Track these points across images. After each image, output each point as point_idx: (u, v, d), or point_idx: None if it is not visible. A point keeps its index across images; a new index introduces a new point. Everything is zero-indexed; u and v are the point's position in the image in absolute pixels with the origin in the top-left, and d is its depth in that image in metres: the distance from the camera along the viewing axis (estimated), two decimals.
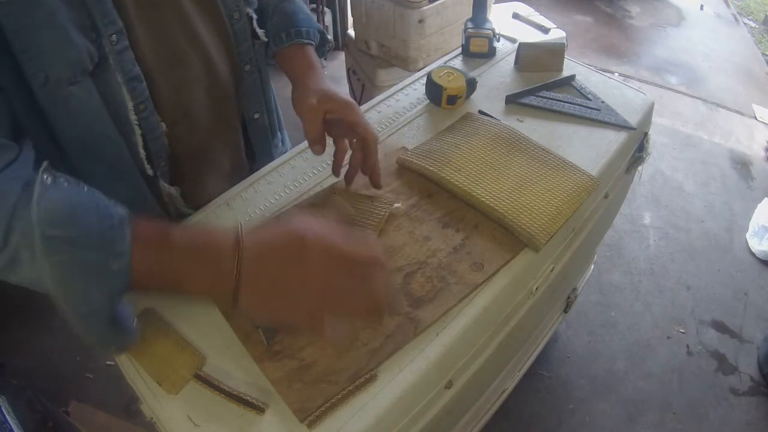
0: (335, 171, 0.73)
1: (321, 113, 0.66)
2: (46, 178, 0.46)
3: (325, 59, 0.81)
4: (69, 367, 1.57)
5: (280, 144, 0.92)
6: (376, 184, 0.71)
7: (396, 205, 0.72)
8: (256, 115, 0.82)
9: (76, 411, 1.44)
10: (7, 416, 1.20)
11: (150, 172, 0.67)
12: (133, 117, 0.61)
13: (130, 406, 1.43)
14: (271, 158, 0.86)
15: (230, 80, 0.75)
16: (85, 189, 0.48)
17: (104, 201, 0.48)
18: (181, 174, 0.74)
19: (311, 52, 0.76)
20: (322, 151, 0.67)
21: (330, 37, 0.85)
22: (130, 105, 0.59)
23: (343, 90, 1.96)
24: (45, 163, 0.48)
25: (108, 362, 1.54)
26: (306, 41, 0.75)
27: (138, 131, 0.62)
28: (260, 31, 0.75)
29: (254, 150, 0.86)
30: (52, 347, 1.62)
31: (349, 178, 0.73)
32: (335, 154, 0.73)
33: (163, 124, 0.65)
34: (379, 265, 0.46)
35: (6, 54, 0.50)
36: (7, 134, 0.50)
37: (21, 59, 0.51)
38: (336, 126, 0.68)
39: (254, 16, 0.74)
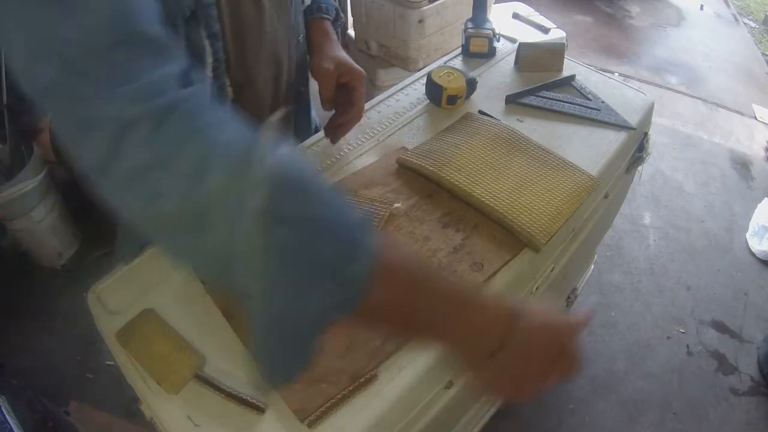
0: (329, 133, 0.80)
1: (335, 77, 0.75)
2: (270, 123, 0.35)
3: (338, 33, 0.88)
4: (69, 367, 1.56)
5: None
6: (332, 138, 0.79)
7: (396, 205, 0.72)
8: (302, 89, 0.86)
9: (76, 411, 1.44)
10: (7, 416, 1.20)
11: None
12: (209, 72, 0.63)
13: (130, 406, 1.43)
14: (308, 136, 0.90)
15: (286, 51, 0.78)
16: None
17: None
18: None
19: (328, 24, 0.83)
20: (332, 108, 0.77)
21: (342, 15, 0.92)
22: (209, 59, 0.62)
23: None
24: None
25: (108, 362, 1.54)
26: (325, 16, 0.83)
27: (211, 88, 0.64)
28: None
29: (295, 125, 0.89)
30: (52, 347, 1.62)
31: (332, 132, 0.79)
32: (333, 117, 0.79)
33: (231, 89, 0.68)
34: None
35: None
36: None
37: None
38: (342, 93, 0.77)
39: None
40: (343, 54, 0.79)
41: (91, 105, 0.33)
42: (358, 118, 0.79)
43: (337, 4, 0.90)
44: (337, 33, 0.87)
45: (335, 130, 0.79)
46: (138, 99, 0.32)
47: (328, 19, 0.84)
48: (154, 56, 0.35)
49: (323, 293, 0.33)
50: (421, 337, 0.42)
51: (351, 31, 2.16)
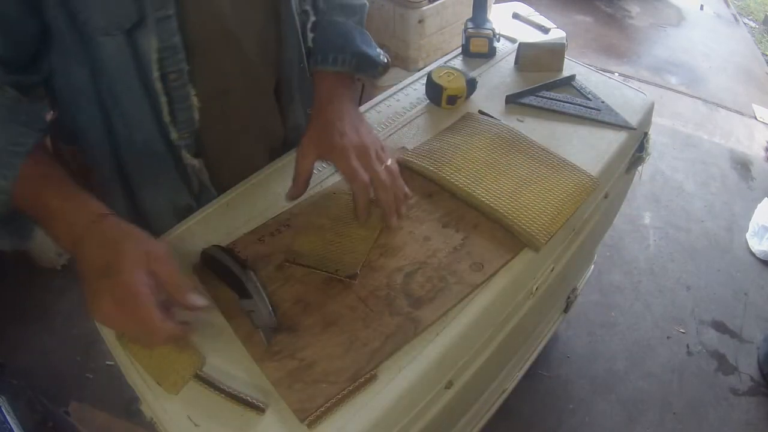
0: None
1: (310, 159, 0.66)
2: None
3: (376, 78, 0.79)
4: (69, 367, 1.56)
5: None
6: (389, 224, 0.67)
7: None
8: (311, 111, 0.82)
9: (76, 411, 1.44)
10: (7, 416, 1.20)
11: (174, 136, 0.67)
12: (158, 85, 0.61)
13: (130, 406, 1.43)
14: None
15: (274, 69, 0.76)
16: (22, 115, 0.56)
17: (29, 129, 0.56)
18: (209, 149, 0.74)
19: (337, 79, 0.73)
20: (295, 196, 0.67)
21: (384, 59, 0.77)
22: (156, 73, 0.60)
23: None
24: None
25: (108, 362, 1.54)
26: (330, 68, 0.72)
27: (164, 98, 0.62)
28: (310, 35, 0.75)
29: (293, 140, 0.85)
30: (52, 347, 1.62)
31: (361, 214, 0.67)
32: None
33: (196, 98, 0.65)
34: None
35: None
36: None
37: None
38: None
39: (311, 17, 0.75)
40: (336, 122, 0.66)
41: None
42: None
43: (375, 49, 0.75)
44: (375, 78, 0.77)
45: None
46: None
47: (339, 72, 0.72)
48: None
49: None
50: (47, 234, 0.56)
51: None
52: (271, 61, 0.75)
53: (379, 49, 0.77)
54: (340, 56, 0.72)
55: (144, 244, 0.53)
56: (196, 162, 0.72)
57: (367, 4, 0.81)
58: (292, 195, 0.67)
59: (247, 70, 0.71)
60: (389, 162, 0.67)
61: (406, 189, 0.69)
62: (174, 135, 0.67)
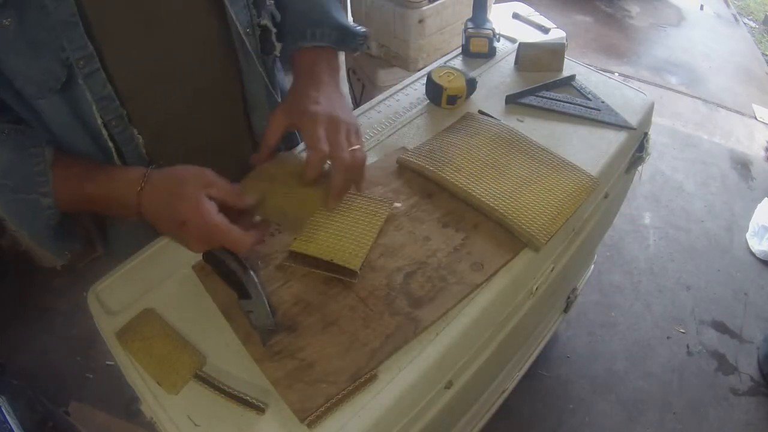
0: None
1: (280, 125, 0.65)
2: None
3: (357, 52, 0.75)
4: (69, 367, 1.57)
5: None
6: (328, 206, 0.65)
7: (396, 205, 0.72)
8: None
9: (76, 411, 1.44)
10: (7, 416, 1.20)
11: None
12: (104, 132, 0.61)
13: (130, 406, 1.43)
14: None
15: (234, 92, 0.74)
16: (23, 139, 0.58)
17: (37, 148, 0.57)
18: None
19: (316, 54, 0.70)
20: (259, 161, 0.67)
21: (361, 29, 0.73)
22: (99, 121, 0.60)
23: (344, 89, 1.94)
24: None
25: (108, 362, 1.54)
26: (309, 44, 0.70)
27: (111, 144, 0.63)
28: (278, 45, 0.73)
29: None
30: (52, 347, 1.62)
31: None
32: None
33: (140, 137, 0.65)
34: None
35: None
36: None
37: (1, 68, 0.54)
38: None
39: (272, 29, 0.71)
40: (310, 93, 0.64)
41: None
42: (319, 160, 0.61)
43: (350, 21, 0.73)
44: (356, 50, 0.73)
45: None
46: None
47: (317, 47, 0.70)
48: None
49: (37, 215, 0.60)
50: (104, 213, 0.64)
51: None
52: (228, 88, 0.74)
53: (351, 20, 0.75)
54: (318, 30, 0.69)
55: (192, 179, 0.58)
56: None
57: None
58: (256, 159, 0.67)
59: (197, 102, 0.70)
60: (357, 147, 0.63)
61: (361, 184, 0.65)
62: None
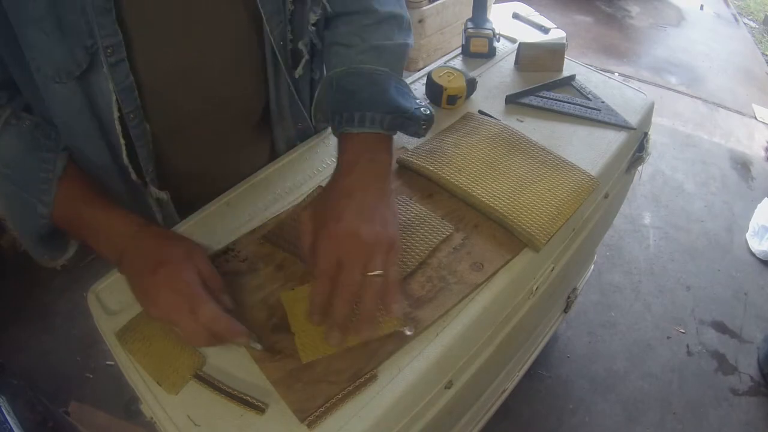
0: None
1: (308, 237, 0.56)
2: (10, 123, 0.56)
3: (418, 137, 0.66)
4: (69, 367, 1.56)
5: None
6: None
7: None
8: (300, 125, 0.80)
9: (76, 411, 1.44)
10: (7, 416, 1.20)
11: (134, 177, 0.66)
12: (117, 126, 0.60)
13: (130, 406, 1.43)
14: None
15: (255, 105, 0.73)
16: (42, 140, 0.58)
17: (51, 154, 0.58)
18: (172, 180, 0.73)
19: (365, 142, 0.59)
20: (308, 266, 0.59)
21: (425, 111, 0.63)
22: (116, 114, 0.59)
23: None
24: (9, 110, 0.57)
25: (108, 362, 1.54)
26: (356, 130, 0.59)
27: (122, 140, 0.61)
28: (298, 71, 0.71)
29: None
30: (52, 347, 1.62)
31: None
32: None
33: (150, 133, 0.64)
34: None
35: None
36: None
37: (20, 41, 0.52)
38: None
39: (305, 55, 0.69)
40: (334, 221, 0.53)
41: None
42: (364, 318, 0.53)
43: (413, 100, 0.63)
44: (418, 135, 0.64)
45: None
46: None
47: (366, 133, 0.59)
48: None
49: (31, 218, 0.59)
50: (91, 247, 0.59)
51: None
52: (251, 97, 0.73)
53: (417, 100, 0.64)
54: (369, 114, 0.59)
55: (187, 244, 0.57)
56: (162, 194, 0.71)
57: (411, 43, 0.69)
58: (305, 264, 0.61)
59: (216, 105, 0.69)
60: (377, 272, 0.52)
61: (390, 307, 0.54)
62: (133, 176, 0.66)
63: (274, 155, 0.83)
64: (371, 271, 0.52)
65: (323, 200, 0.57)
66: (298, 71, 0.72)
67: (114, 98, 0.57)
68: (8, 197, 0.59)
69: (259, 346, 0.54)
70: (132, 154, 0.64)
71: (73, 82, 0.55)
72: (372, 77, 0.63)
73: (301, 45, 0.70)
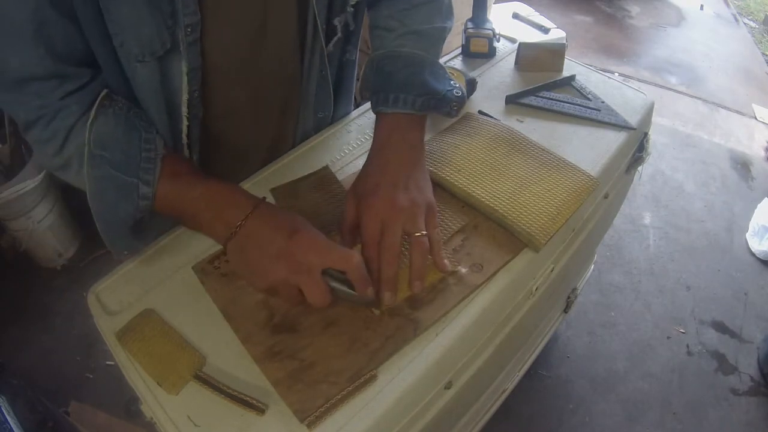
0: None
1: (352, 211, 0.61)
2: (105, 105, 0.54)
3: (450, 116, 0.70)
4: (69, 367, 1.57)
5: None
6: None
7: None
8: (321, 114, 0.81)
9: (76, 411, 1.44)
10: (7, 416, 1.20)
11: (187, 154, 0.68)
12: (184, 108, 0.61)
13: (130, 406, 1.43)
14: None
15: (295, 84, 0.74)
16: (137, 121, 0.57)
17: (150, 134, 0.56)
18: (212, 163, 0.74)
19: (398, 121, 0.64)
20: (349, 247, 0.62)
21: (457, 93, 0.67)
22: (185, 96, 0.60)
23: None
24: (104, 92, 0.55)
25: (108, 362, 1.54)
26: (391, 110, 0.64)
27: (185, 121, 0.62)
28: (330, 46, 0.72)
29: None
30: (52, 347, 1.62)
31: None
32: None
33: (201, 115, 0.65)
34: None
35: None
36: (80, 63, 0.55)
37: (105, 16, 0.52)
38: None
39: (338, 33, 0.71)
40: (372, 191, 0.59)
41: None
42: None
43: (447, 82, 0.67)
44: (451, 115, 0.68)
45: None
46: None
47: (400, 113, 0.64)
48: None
49: (129, 203, 0.55)
50: (193, 229, 0.58)
51: None
52: (288, 81, 0.74)
53: (452, 81, 0.68)
54: (402, 96, 0.64)
55: (300, 224, 0.55)
56: None
57: (450, 26, 0.71)
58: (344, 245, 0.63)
59: (259, 91, 0.70)
60: (419, 233, 0.58)
61: (440, 262, 0.61)
62: (187, 154, 0.68)
63: (291, 146, 0.85)
64: (415, 233, 0.58)
65: (361, 177, 0.63)
66: (329, 48, 0.73)
67: (185, 79, 0.59)
68: (101, 180, 0.55)
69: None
70: (189, 137, 0.65)
71: (154, 62, 0.56)
72: (408, 60, 0.67)
73: (336, 22, 0.71)
